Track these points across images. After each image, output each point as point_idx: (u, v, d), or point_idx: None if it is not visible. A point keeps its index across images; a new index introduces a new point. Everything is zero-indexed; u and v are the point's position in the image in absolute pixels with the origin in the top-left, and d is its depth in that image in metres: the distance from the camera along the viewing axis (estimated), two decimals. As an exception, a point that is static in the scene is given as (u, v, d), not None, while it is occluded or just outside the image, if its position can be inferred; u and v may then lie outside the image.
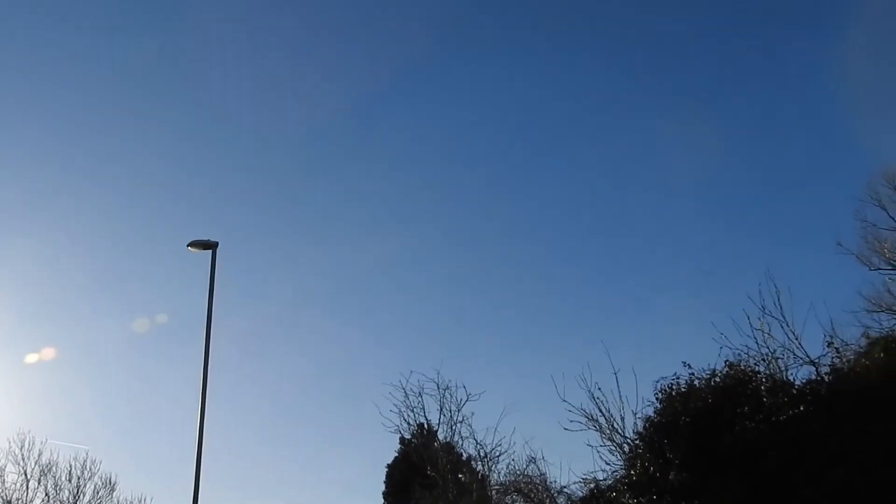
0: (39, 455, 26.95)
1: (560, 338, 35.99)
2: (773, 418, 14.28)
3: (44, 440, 27.33)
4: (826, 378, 14.79)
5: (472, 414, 18.82)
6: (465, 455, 19.34)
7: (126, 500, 27.70)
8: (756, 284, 15.85)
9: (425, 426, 19.91)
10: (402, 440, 23.00)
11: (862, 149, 35.31)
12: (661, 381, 15.84)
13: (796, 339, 15.44)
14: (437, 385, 19.01)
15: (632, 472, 15.35)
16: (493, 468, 18.51)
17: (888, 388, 13.66)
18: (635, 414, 15.93)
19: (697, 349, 22.74)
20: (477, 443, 18.61)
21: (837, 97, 37.62)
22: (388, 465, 26.39)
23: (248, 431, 38.41)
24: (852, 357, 15.67)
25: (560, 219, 42.66)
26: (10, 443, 27.32)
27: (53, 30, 40.24)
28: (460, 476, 18.84)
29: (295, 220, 46.01)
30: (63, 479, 26.78)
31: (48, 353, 32.32)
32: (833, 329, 15.41)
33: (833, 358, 15.29)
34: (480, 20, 41.61)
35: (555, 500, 17.78)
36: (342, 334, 41.94)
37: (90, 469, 27.21)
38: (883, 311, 22.44)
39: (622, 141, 41.21)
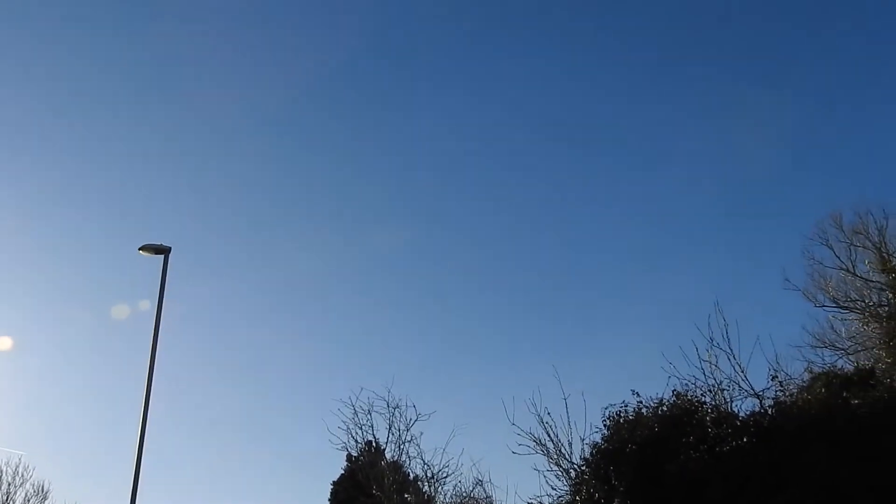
0: (-32, 460, 25.97)
1: (512, 361, 36.22)
2: (718, 449, 14.50)
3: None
4: (769, 411, 15.07)
5: (421, 434, 18.72)
6: (411, 475, 19.21)
7: (58, 507, 26.73)
8: (706, 316, 16.08)
9: (373, 444, 19.72)
10: (349, 457, 22.75)
11: (813, 189, 36.42)
12: (610, 409, 16.03)
13: (742, 371, 15.71)
14: (388, 403, 18.86)
15: (577, 498, 15.42)
16: (439, 489, 18.42)
17: (828, 423, 14.00)
18: (583, 440, 16.03)
19: (647, 377, 23.03)
20: (424, 463, 18.52)
21: (790, 141, 38.77)
22: (333, 482, 26.07)
23: (192, 441, 37.60)
24: (795, 391, 16.00)
25: (514, 245, 43.08)
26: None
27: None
28: (406, 496, 18.69)
29: (254, 229, 45.49)
30: (-8, 485, 25.84)
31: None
32: (778, 363, 15.73)
33: (777, 391, 15.61)
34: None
35: (500, 524, 17.74)
36: (294, 347, 41.52)
37: (22, 475, 26.33)
38: (826, 348, 23.00)
39: (583, 173, 41.73)
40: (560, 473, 16.03)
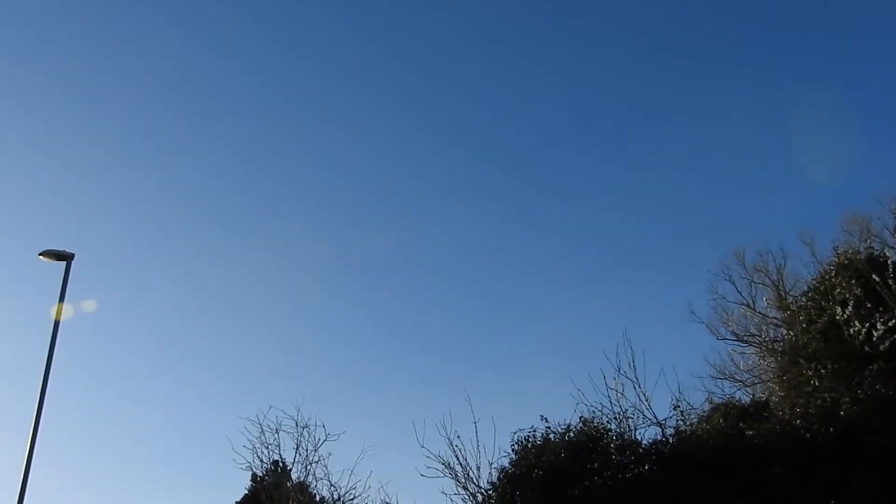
0: None
1: (425, 384, 36.17)
2: (620, 476, 14.87)
3: None
4: (670, 440, 15.56)
5: (330, 454, 18.33)
6: (318, 496, 18.82)
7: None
8: (614, 345, 16.49)
9: (279, 464, 19.29)
10: (254, 477, 22.17)
11: (720, 226, 38.03)
12: (519, 433, 16.25)
13: (646, 400, 16.12)
14: (296, 422, 18.45)
15: (483, 523, 15.50)
16: (345, 512, 18.12)
17: (724, 453, 14.57)
18: (491, 464, 16.09)
19: (556, 404, 23.42)
20: (331, 484, 18.15)
21: (699, 180, 40.47)
22: (236, 502, 25.41)
23: (87, 452, 35.90)
24: (696, 420, 16.57)
25: (426, 271, 43.27)
26: None
27: None
28: (311, 518, 18.33)
29: (165, 237, 44.18)
30: None
31: None
32: (680, 392, 16.25)
33: (678, 420, 16.13)
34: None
35: (405, 547, 17.61)
36: (202, 362, 40.35)
37: None
38: (726, 379, 23.95)
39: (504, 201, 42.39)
40: (467, 497, 16.07)
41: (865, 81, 37.59)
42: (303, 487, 18.80)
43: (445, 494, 16.13)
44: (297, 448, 18.43)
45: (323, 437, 18.25)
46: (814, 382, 15.66)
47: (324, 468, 18.19)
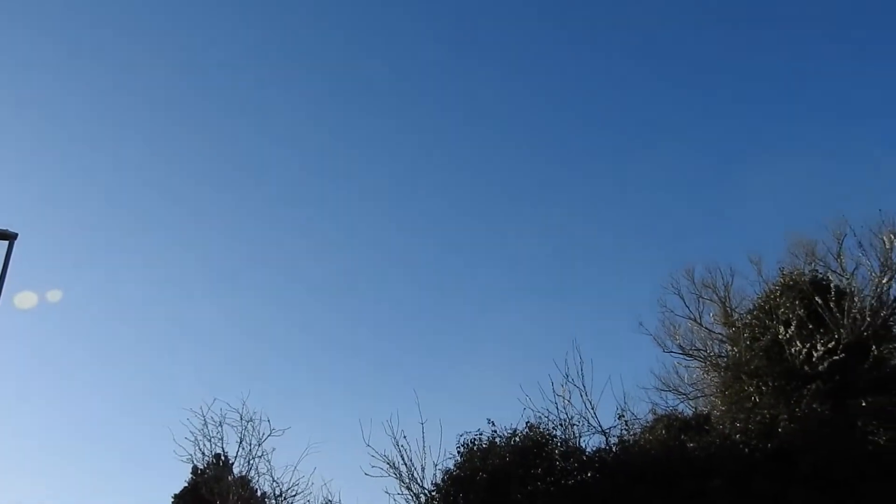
0: None
1: (373, 382, 35.92)
2: (564, 482, 15.02)
3: None
4: (614, 448, 15.79)
5: (274, 449, 18.12)
6: (259, 491, 18.62)
7: None
8: (563, 353, 16.66)
9: (222, 458, 19.02)
10: (195, 470, 21.81)
11: (672, 241, 38.67)
12: (465, 436, 16.28)
13: (592, 408, 16.34)
14: (241, 416, 18.19)
15: (425, 524, 15.51)
16: (286, 508, 17.94)
17: (665, 464, 14.85)
18: (436, 465, 16.09)
19: (503, 408, 23.51)
20: (274, 480, 17.97)
21: (653, 194, 41.13)
22: (174, 495, 24.87)
23: (19, 443, 34.81)
24: (639, 431, 16.84)
25: (378, 270, 43.02)
26: None
27: None
28: (251, 513, 18.09)
29: (111, 225, 43.12)
30: None
31: None
32: (626, 402, 16.50)
33: (622, 430, 16.37)
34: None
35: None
36: (147, 351, 39.45)
37: None
38: (670, 391, 24.41)
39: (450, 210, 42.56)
40: (410, 497, 16.05)
41: (815, 109, 38.60)
42: (244, 482, 18.57)
43: (389, 494, 16.10)
44: (241, 442, 18.22)
45: (267, 432, 18.08)
46: (754, 399, 16.06)
47: (267, 463, 18.01)
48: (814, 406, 14.95)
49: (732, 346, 18.19)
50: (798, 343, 16.17)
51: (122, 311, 40.44)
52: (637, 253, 38.82)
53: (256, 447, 18.09)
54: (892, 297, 17.34)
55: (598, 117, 42.61)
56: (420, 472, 16.07)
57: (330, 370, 37.98)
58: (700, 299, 25.17)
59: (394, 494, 16.07)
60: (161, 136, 43.15)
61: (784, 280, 17.84)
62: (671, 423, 17.27)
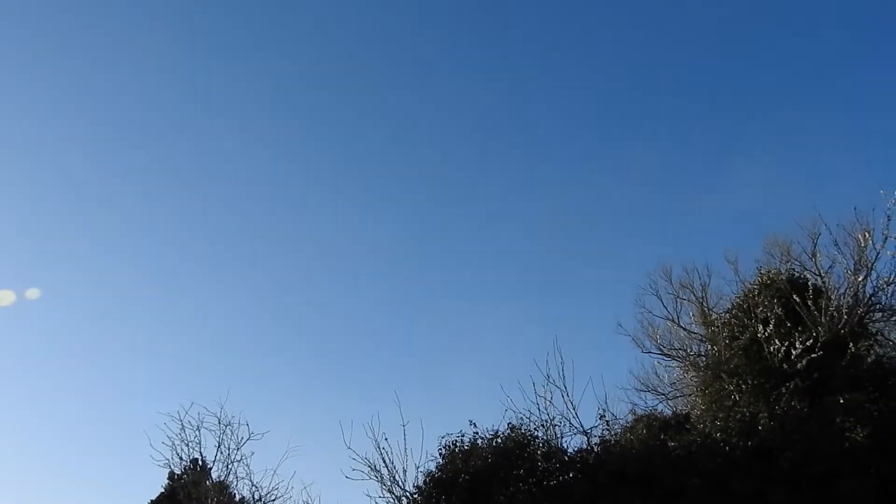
0: None
1: (353, 384, 35.72)
2: (545, 483, 15.01)
3: None
4: (595, 448, 15.81)
5: (252, 454, 17.91)
6: (238, 496, 18.38)
7: None
8: (544, 353, 16.64)
9: (200, 462, 18.76)
10: (172, 475, 21.50)
11: (650, 240, 38.92)
12: (447, 438, 16.21)
13: (574, 408, 16.33)
14: (219, 420, 17.97)
15: (407, 526, 15.41)
16: (266, 512, 17.74)
17: (646, 462, 14.89)
18: (418, 467, 15.97)
19: (485, 409, 23.48)
20: (253, 484, 17.77)
21: (631, 193, 41.34)
22: (150, 500, 24.56)
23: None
24: (620, 431, 16.88)
25: (359, 270, 42.76)
26: None
27: None
28: (230, 518, 17.87)
29: (90, 222, 42.44)
30: None
31: None
32: (606, 403, 16.53)
33: (603, 430, 16.40)
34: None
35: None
36: (124, 354, 38.88)
37: None
38: (649, 392, 24.52)
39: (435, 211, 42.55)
40: (392, 501, 15.93)
41: (794, 107, 39.03)
42: (223, 487, 18.34)
43: (370, 497, 15.99)
44: (219, 446, 18.00)
45: (246, 436, 17.88)
46: (734, 397, 16.17)
47: (246, 467, 17.82)
48: (793, 404, 15.08)
49: (712, 346, 18.31)
50: (777, 341, 16.30)
51: (101, 310, 39.92)
52: (618, 252, 39.06)
53: (235, 451, 17.90)
54: (867, 295, 17.57)
55: (574, 117, 42.84)
56: (402, 474, 15.98)
57: (309, 372, 37.81)
58: (678, 300, 25.37)
59: (375, 497, 15.98)
60: (142, 133, 42.60)
61: (762, 279, 18.00)
62: (651, 423, 17.34)
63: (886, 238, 17.29)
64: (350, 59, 42.77)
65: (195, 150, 43.36)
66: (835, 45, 38.91)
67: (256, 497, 17.80)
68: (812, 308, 16.66)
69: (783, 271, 18.21)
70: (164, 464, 18.32)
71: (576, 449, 16.00)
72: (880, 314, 18.07)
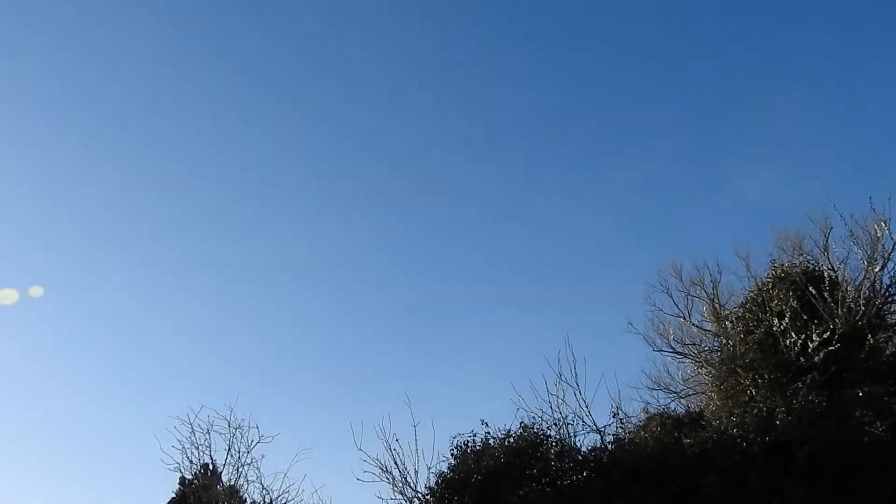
0: None
1: (364, 385, 35.46)
2: (559, 482, 14.82)
3: None
4: (609, 447, 15.60)
5: (263, 457, 17.79)
6: (249, 500, 18.28)
7: None
8: (556, 351, 16.44)
9: (210, 466, 18.65)
10: (182, 480, 21.40)
11: (660, 237, 38.67)
12: (458, 438, 16.06)
13: (587, 406, 16.18)
14: (229, 423, 17.86)
15: (419, 528, 15.24)
16: (277, 516, 17.61)
17: (661, 460, 14.68)
18: (430, 468, 15.83)
19: (497, 408, 23.26)
20: (263, 488, 17.63)
21: (640, 191, 41.11)
22: (161, 505, 24.52)
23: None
24: (633, 429, 16.66)
25: (369, 269, 42.57)
26: None
27: None
28: (241, 522, 17.76)
29: (93, 219, 42.33)
30: None
31: None
32: (620, 400, 16.36)
33: (617, 428, 16.21)
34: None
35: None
36: (133, 355, 38.74)
37: None
38: (661, 390, 24.27)
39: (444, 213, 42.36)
40: (404, 502, 15.78)
41: (802, 97, 38.68)
42: (233, 490, 18.23)
43: (382, 499, 15.85)
44: (229, 449, 17.92)
45: (256, 439, 17.79)
46: (750, 392, 15.90)
47: (256, 470, 17.71)
48: (810, 398, 14.81)
49: (726, 341, 18.04)
50: (793, 335, 16.01)
51: (105, 308, 39.86)
52: (627, 250, 38.82)
53: (245, 455, 17.82)
54: (885, 286, 17.27)
55: (581, 113, 42.62)
56: (413, 475, 15.85)
57: (320, 373, 37.65)
58: (689, 297, 25.10)
59: (387, 499, 15.84)
60: (146, 128, 42.49)
61: (776, 272, 17.71)
62: (664, 421, 17.09)
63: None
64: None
65: (207, 149, 43.24)
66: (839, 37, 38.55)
67: (267, 500, 17.69)
68: (828, 300, 16.38)
69: (797, 264, 17.92)
70: (175, 468, 18.21)
71: (589, 448, 15.84)
72: (898, 305, 17.77)
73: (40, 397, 37.31)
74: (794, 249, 19.12)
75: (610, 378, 16.76)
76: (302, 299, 41.59)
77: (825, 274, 17.39)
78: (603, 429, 16.10)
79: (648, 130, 40.62)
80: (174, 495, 23.51)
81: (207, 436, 17.95)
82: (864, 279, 17.13)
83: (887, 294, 17.25)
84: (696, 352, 22.42)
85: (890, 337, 17.04)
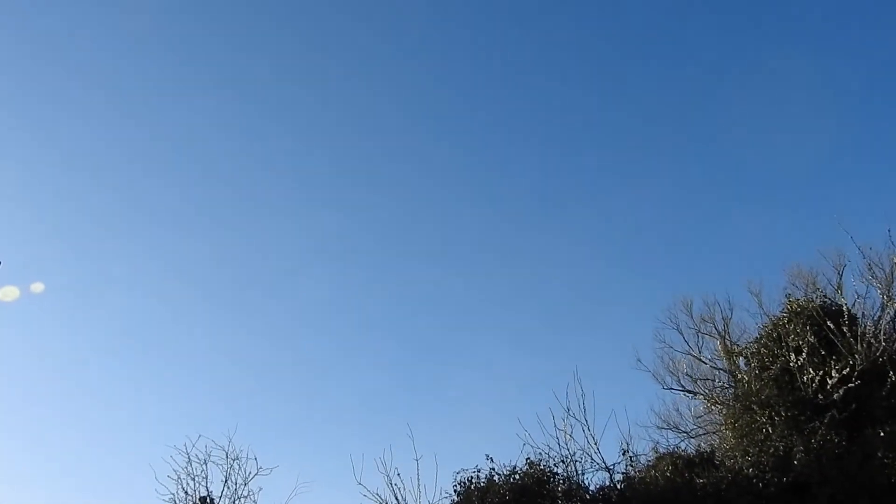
0: None
1: (365, 416, 34.79)
2: (566, 521, 14.25)
3: None
4: (619, 486, 15.04)
5: (260, 489, 17.27)
6: (245, 534, 17.74)
7: None
8: (563, 386, 15.95)
9: (207, 499, 18.14)
10: (177, 512, 20.83)
11: (670, 273, 38.29)
12: (462, 473, 15.51)
13: (595, 443, 15.60)
14: (227, 454, 17.41)
15: (420, 567, 14.65)
16: (272, 551, 17.07)
17: (674, 501, 14.11)
18: (432, 504, 15.31)
19: (502, 443, 22.67)
20: (260, 521, 17.14)
21: (650, 226, 40.85)
22: (155, 540, 23.86)
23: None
24: (643, 468, 16.11)
25: (372, 305, 42.20)
26: None
27: None
28: (235, 558, 17.18)
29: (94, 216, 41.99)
30: None
31: None
32: (630, 437, 15.81)
33: (627, 466, 15.63)
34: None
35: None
36: (130, 385, 38.20)
37: None
38: (670, 430, 23.71)
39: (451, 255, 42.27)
40: (405, 538, 15.19)
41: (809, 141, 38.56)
42: (229, 524, 17.69)
43: (381, 535, 15.24)
44: (226, 481, 17.38)
45: (254, 471, 17.26)
46: (766, 430, 15.32)
47: (253, 503, 17.17)
48: (829, 437, 14.26)
49: (740, 376, 17.53)
50: (810, 371, 15.51)
51: (107, 305, 39.28)
52: (636, 286, 38.39)
53: (242, 487, 17.29)
54: (906, 321, 16.81)
55: (588, 148, 42.52)
56: (415, 511, 15.28)
57: (320, 404, 36.98)
58: (699, 334, 24.66)
59: (387, 535, 15.23)
60: (149, 122, 42.23)
61: (791, 306, 17.25)
62: (676, 462, 16.53)
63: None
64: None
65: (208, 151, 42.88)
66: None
67: (264, 535, 17.15)
68: (847, 335, 15.89)
69: (814, 298, 17.48)
70: (169, 499, 17.66)
71: (598, 486, 15.27)
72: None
73: (40, 395, 36.67)
74: (807, 286, 18.76)
75: (621, 414, 16.18)
76: (305, 334, 41.20)
77: (843, 308, 16.92)
78: (612, 467, 15.54)
79: (654, 165, 40.54)
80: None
81: (204, 466, 17.47)
82: (883, 313, 16.67)
83: (910, 330, 16.78)
84: (707, 389, 21.92)
85: (913, 373, 16.50)
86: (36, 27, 38.98)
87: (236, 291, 41.56)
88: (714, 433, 21.36)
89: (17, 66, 39.31)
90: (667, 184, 39.52)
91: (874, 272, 17.09)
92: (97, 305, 39.91)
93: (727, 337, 22.67)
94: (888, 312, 16.67)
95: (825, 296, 17.71)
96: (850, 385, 15.11)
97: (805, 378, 15.59)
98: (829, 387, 15.29)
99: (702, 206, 40.19)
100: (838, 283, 18.04)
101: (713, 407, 19.19)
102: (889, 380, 15.41)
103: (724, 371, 21.77)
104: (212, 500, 18.05)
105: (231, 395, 35.40)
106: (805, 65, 38.05)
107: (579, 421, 15.77)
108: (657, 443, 20.07)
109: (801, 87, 37.77)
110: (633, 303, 36.83)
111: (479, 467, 15.46)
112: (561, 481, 15.23)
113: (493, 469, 15.42)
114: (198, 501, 18.31)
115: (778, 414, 15.29)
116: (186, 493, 17.61)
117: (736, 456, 15.25)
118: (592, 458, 15.59)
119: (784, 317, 17.22)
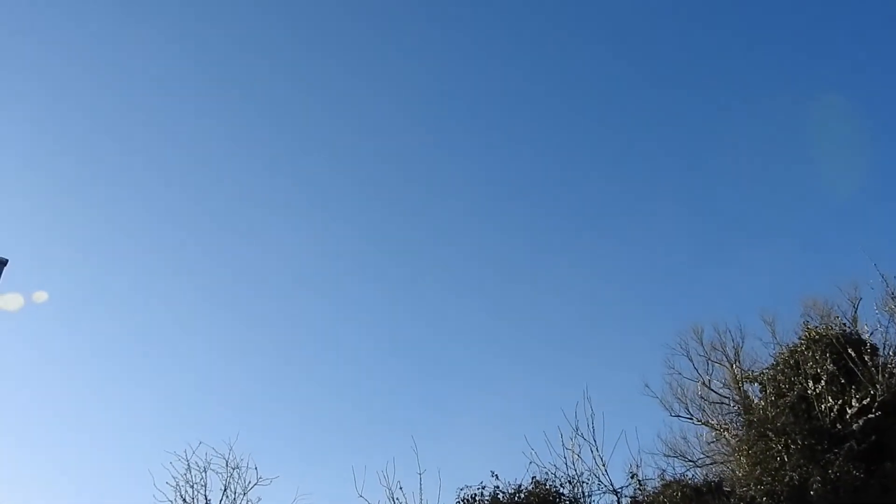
0: None
1: (368, 428, 34.36)
2: (572, 544, 13.83)
3: None
4: (626, 510, 14.64)
5: (259, 500, 16.88)
6: (243, 544, 17.33)
7: None
8: (571, 408, 15.61)
9: (205, 508, 17.74)
10: (175, 519, 20.41)
11: (681, 300, 38.01)
12: (466, 490, 15.21)
13: (603, 465, 15.25)
14: (227, 462, 17.06)
15: (419, 584, 14.22)
16: (270, 561, 16.64)
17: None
18: (433, 520, 14.91)
19: (508, 460, 22.29)
20: (259, 532, 16.74)
21: (661, 253, 40.59)
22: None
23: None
24: (651, 494, 15.70)
25: (379, 307, 41.98)
26: None
27: None
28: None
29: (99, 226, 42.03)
30: None
31: None
32: (640, 459, 15.49)
33: (635, 490, 15.25)
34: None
35: None
36: (133, 390, 37.86)
37: None
38: (678, 458, 23.25)
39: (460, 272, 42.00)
40: (405, 555, 14.76)
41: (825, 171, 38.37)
42: (227, 533, 17.29)
43: (382, 550, 14.84)
44: (225, 490, 17.00)
45: (254, 480, 16.90)
46: (782, 458, 14.85)
47: (252, 513, 16.77)
48: (847, 468, 13.81)
49: (755, 402, 17.12)
50: (829, 399, 15.05)
51: (110, 314, 39.20)
52: (645, 313, 38.14)
53: (241, 496, 16.91)
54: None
55: (600, 178, 42.47)
56: (416, 526, 14.87)
57: (322, 416, 36.67)
58: (709, 361, 24.32)
59: (387, 551, 14.83)
60: (152, 133, 42.46)
61: (809, 334, 16.84)
62: (684, 490, 16.09)
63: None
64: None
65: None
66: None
67: (262, 545, 16.75)
68: (869, 364, 15.46)
69: (833, 326, 17.10)
70: (168, 507, 17.31)
71: (604, 510, 14.90)
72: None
73: (42, 402, 36.45)
74: (822, 318, 18.47)
75: (631, 435, 15.85)
76: (310, 347, 40.98)
77: (865, 337, 16.51)
78: (620, 490, 15.24)
79: (669, 194, 40.41)
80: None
81: (204, 474, 17.12)
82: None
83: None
84: (716, 417, 21.51)
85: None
86: (41, 29, 39.51)
87: (239, 297, 41.53)
88: (722, 463, 20.91)
89: (17, 66, 39.71)
90: (682, 214, 39.41)
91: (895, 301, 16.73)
92: (99, 314, 39.93)
93: (737, 366, 22.30)
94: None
95: (844, 324, 17.34)
96: (869, 416, 14.65)
97: (823, 406, 15.14)
98: (848, 417, 14.82)
99: (715, 237, 40.06)
100: (853, 316, 17.74)
101: (722, 435, 18.75)
102: (911, 411, 15.00)
103: (733, 400, 21.38)
104: (210, 508, 17.69)
105: (233, 403, 35.20)
106: (819, 101, 38.07)
107: (588, 441, 15.44)
108: (664, 471, 19.68)
109: (817, 123, 37.75)
110: (645, 328, 36.65)
111: (483, 484, 15.20)
112: (567, 502, 14.88)
113: (498, 487, 15.14)
114: (196, 509, 17.96)
115: (794, 442, 14.82)
116: (185, 500, 17.22)
117: (749, 484, 14.79)
118: (600, 480, 15.27)
119: (802, 343, 16.81)
